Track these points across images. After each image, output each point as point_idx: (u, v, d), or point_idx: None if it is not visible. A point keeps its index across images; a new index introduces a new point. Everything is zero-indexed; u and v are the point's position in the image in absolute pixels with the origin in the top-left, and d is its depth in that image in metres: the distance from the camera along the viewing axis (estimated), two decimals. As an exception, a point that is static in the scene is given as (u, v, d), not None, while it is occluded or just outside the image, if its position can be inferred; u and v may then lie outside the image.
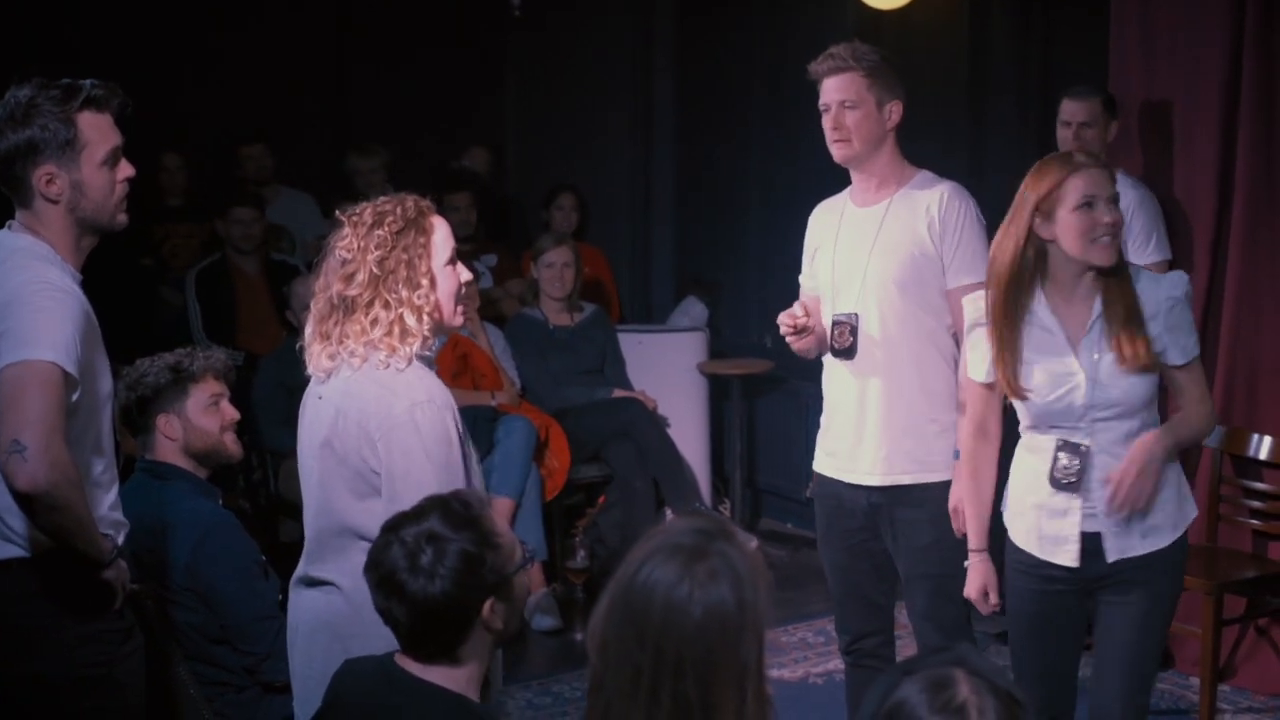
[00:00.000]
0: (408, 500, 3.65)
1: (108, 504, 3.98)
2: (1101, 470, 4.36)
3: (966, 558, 4.75)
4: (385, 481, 3.79)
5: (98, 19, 8.91)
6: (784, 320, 4.95)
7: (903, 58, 5.45)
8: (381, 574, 3.14)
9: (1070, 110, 6.57)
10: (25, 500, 3.65)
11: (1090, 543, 4.42)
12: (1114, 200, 4.34)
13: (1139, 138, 6.75)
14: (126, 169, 4.00)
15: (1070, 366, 4.36)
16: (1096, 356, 4.34)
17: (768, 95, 9.15)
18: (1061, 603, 4.54)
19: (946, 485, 4.88)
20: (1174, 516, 4.44)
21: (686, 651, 2.54)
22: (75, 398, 3.77)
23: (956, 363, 4.86)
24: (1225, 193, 6.49)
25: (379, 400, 3.79)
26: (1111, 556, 4.42)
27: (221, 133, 9.39)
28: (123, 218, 4.04)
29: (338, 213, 3.96)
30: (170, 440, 4.87)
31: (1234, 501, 6.45)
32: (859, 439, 5.02)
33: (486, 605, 3.18)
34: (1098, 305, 4.36)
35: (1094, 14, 7.03)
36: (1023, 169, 7.39)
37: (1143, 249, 6.44)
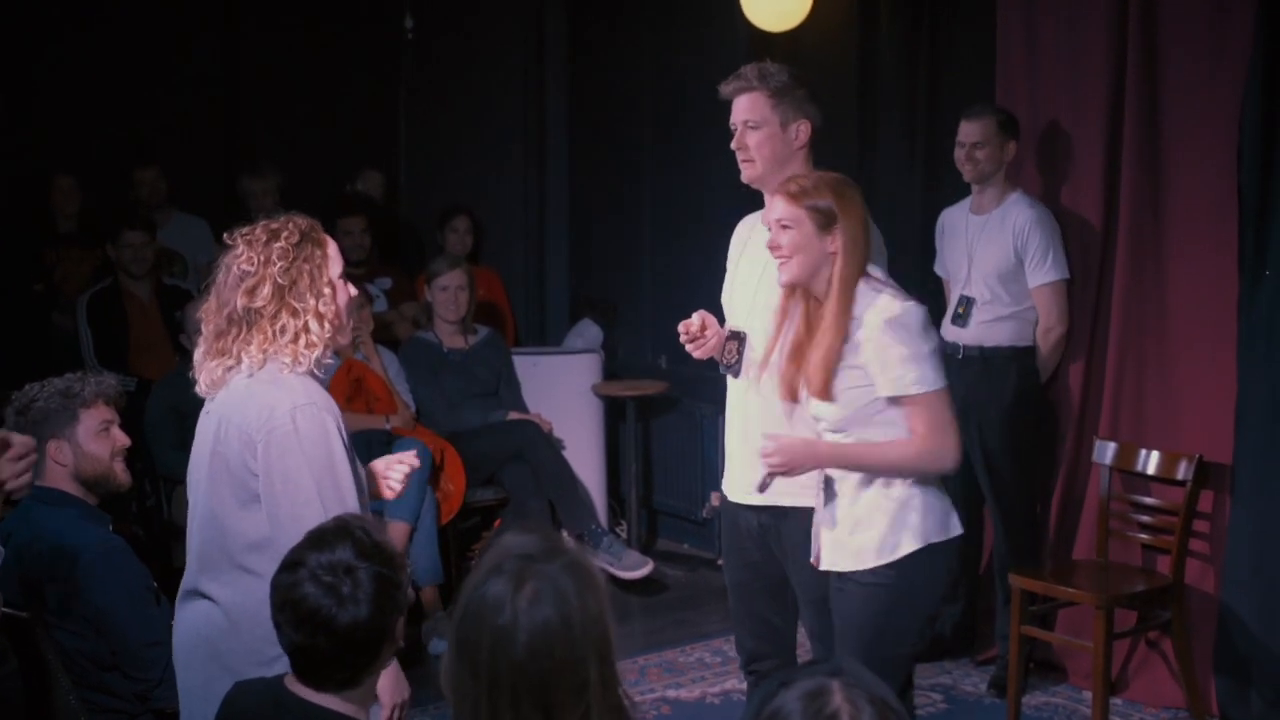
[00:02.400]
0: (286, 501, 3.72)
1: None
2: (831, 483, 4.55)
3: None
4: (263, 482, 3.81)
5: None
6: (680, 328, 4.97)
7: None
8: (302, 611, 3.10)
9: (964, 131, 6.66)
10: None
11: None
12: (784, 225, 4.45)
13: (1030, 156, 6.84)
14: None
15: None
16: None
17: (660, 116, 9.19)
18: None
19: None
20: (890, 542, 4.44)
21: (519, 678, 2.55)
22: None
23: None
24: (1110, 210, 6.58)
25: (260, 404, 3.83)
26: (824, 566, 4.60)
27: (113, 156, 9.32)
28: None
29: (226, 235, 4.00)
30: (60, 466, 4.82)
31: (1123, 516, 6.52)
32: (741, 458, 5.03)
33: (399, 625, 3.19)
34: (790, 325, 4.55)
35: (981, 34, 7.11)
36: (910, 188, 7.55)
37: (1039, 267, 6.52)
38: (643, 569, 7.89)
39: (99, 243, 8.73)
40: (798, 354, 4.47)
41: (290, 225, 3.93)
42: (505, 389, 8.53)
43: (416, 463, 4.39)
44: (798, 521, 4.87)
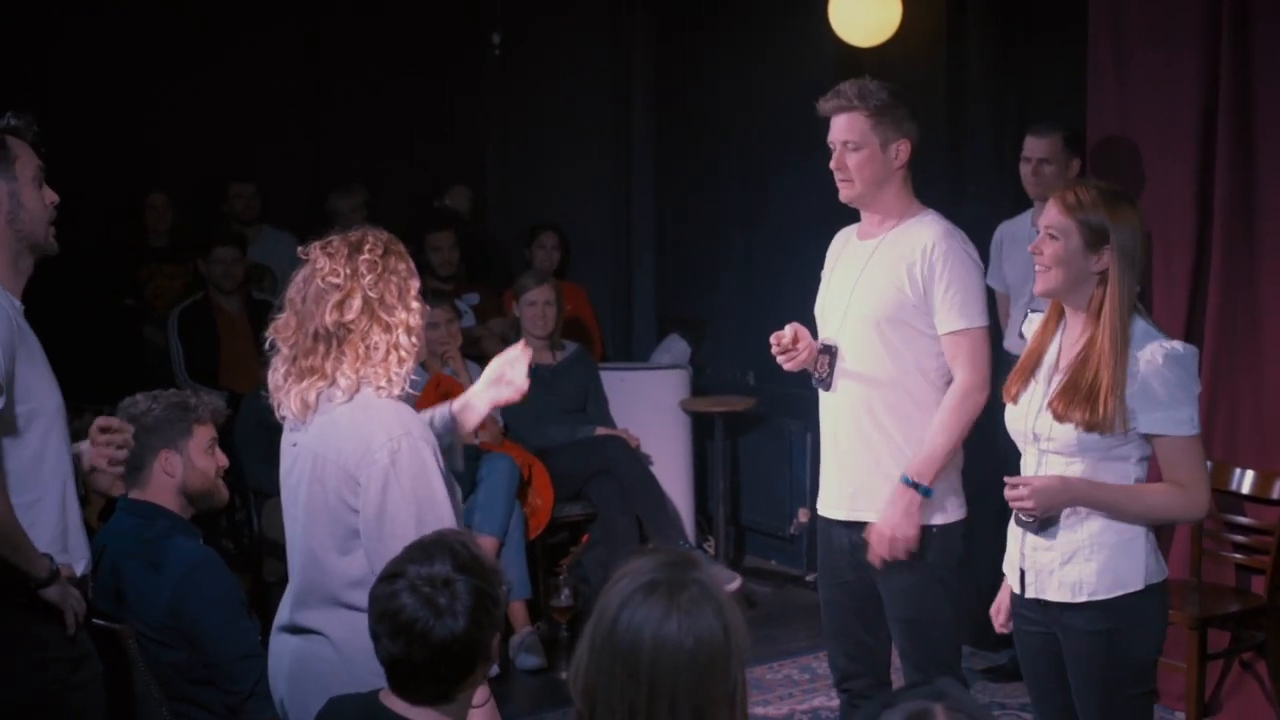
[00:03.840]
0: (388, 534, 3.67)
1: (58, 523, 4.02)
2: (1051, 515, 4.30)
3: (948, 600, 4.77)
4: (364, 517, 3.76)
5: (83, 57, 8.92)
6: (772, 340, 4.94)
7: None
8: (399, 622, 3.11)
9: (1030, 146, 6.67)
10: None
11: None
12: (1051, 234, 4.28)
13: (1117, 173, 6.77)
14: (52, 194, 4.12)
15: (1033, 388, 4.37)
16: (1050, 387, 4.32)
17: (748, 131, 9.18)
18: (1031, 641, 4.49)
19: (922, 529, 4.82)
20: (1106, 579, 4.27)
21: (681, 682, 2.58)
22: (1, 405, 3.83)
23: (938, 406, 4.86)
24: (1203, 225, 6.50)
25: (356, 437, 3.76)
26: (1029, 592, 4.39)
27: (204, 174, 9.42)
28: (54, 242, 4.14)
29: (301, 249, 3.94)
30: (168, 477, 4.85)
31: (1217, 536, 6.45)
32: (829, 473, 5.04)
33: (494, 642, 3.20)
34: (1059, 337, 4.36)
35: (1070, 50, 7.06)
36: (999, 205, 7.49)
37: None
38: (730, 585, 7.87)
39: (190, 259, 8.82)
40: (1074, 374, 4.25)
41: (371, 237, 3.87)
42: (593, 405, 8.54)
43: (529, 352, 4.47)
44: None
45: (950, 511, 4.89)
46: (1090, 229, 4.23)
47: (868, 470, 4.92)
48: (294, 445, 3.93)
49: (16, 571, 3.84)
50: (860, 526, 4.91)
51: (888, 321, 4.87)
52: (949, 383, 4.86)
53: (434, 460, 3.81)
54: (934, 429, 4.80)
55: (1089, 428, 4.18)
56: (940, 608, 4.86)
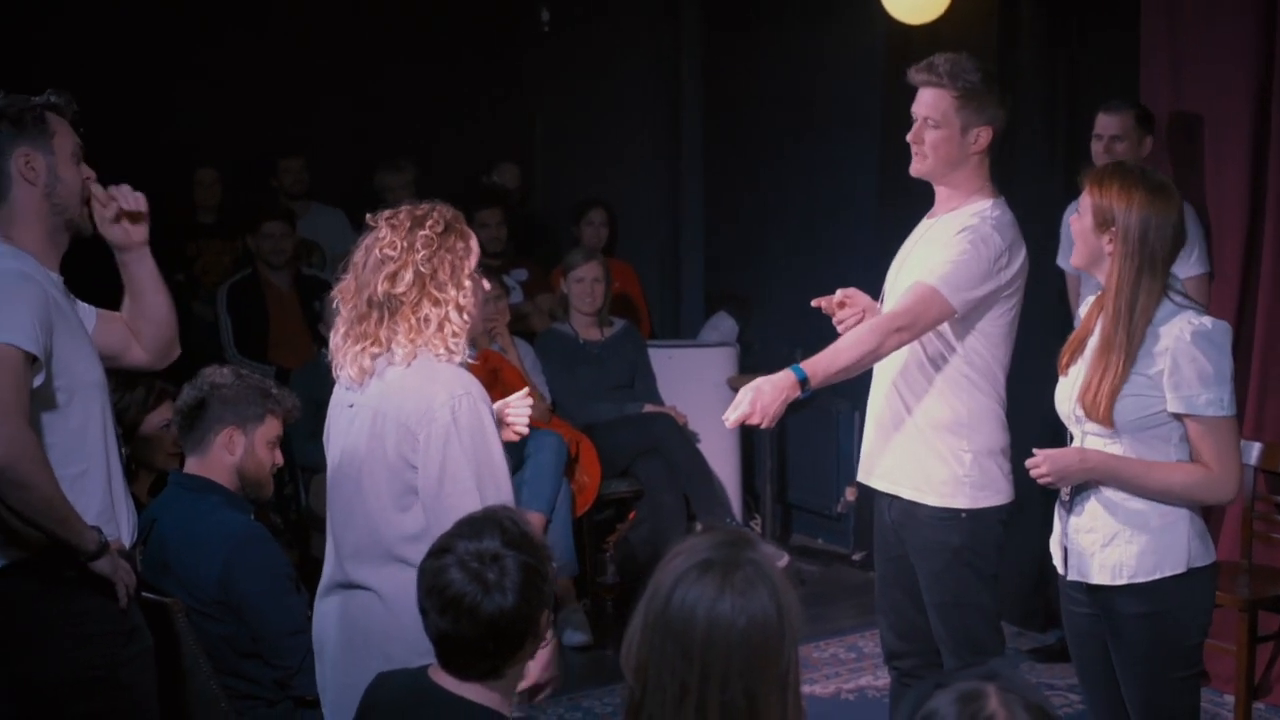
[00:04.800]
0: (447, 491, 3.72)
1: (105, 495, 4.04)
2: (1091, 497, 4.31)
3: (982, 585, 4.77)
4: (423, 474, 3.81)
5: (132, 30, 8.94)
6: (819, 304, 4.95)
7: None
8: (448, 597, 3.12)
9: (1102, 123, 6.59)
10: None
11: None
12: (1079, 211, 4.30)
13: (1170, 153, 6.74)
14: (89, 170, 4.15)
15: (1080, 367, 4.35)
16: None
17: (797, 107, 9.14)
18: (1078, 623, 4.48)
19: (948, 512, 4.80)
20: (1147, 562, 4.24)
21: (734, 662, 2.58)
22: (40, 380, 3.85)
23: (973, 390, 4.82)
24: (1257, 204, 6.47)
25: (418, 395, 3.82)
26: (1071, 575, 4.38)
27: (253, 150, 9.44)
28: (89, 222, 4.16)
29: (370, 217, 3.98)
30: (228, 455, 4.88)
31: (1268, 518, 6.41)
32: (870, 442, 5.02)
33: (544, 617, 3.20)
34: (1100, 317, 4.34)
35: (1123, 30, 7.01)
36: (1050, 187, 7.45)
37: (1185, 260, 6.42)
38: (779, 563, 7.84)
39: (239, 234, 8.85)
40: (1096, 358, 4.25)
41: (435, 213, 3.91)
42: (640, 382, 8.54)
43: (530, 401, 4.42)
44: (919, 519, 4.85)
45: (981, 497, 4.82)
46: (1099, 210, 4.23)
47: (902, 444, 4.90)
48: (350, 406, 3.98)
49: (66, 545, 3.86)
50: (901, 503, 4.90)
51: None
52: (984, 362, 4.81)
53: (492, 423, 3.87)
54: (849, 339, 4.71)
55: (1099, 420, 4.21)
56: (973, 592, 4.81)
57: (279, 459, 5.03)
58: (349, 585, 3.98)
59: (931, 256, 4.76)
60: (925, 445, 4.84)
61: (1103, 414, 4.19)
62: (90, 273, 4.40)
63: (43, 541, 3.86)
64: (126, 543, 4.12)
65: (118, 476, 4.14)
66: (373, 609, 3.91)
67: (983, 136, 4.84)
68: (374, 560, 3.92)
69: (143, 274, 4.31)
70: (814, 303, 4.96)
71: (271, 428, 4.95)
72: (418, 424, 3.81)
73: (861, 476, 5.08)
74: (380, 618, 3.88)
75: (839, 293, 4.94)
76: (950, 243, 4.74)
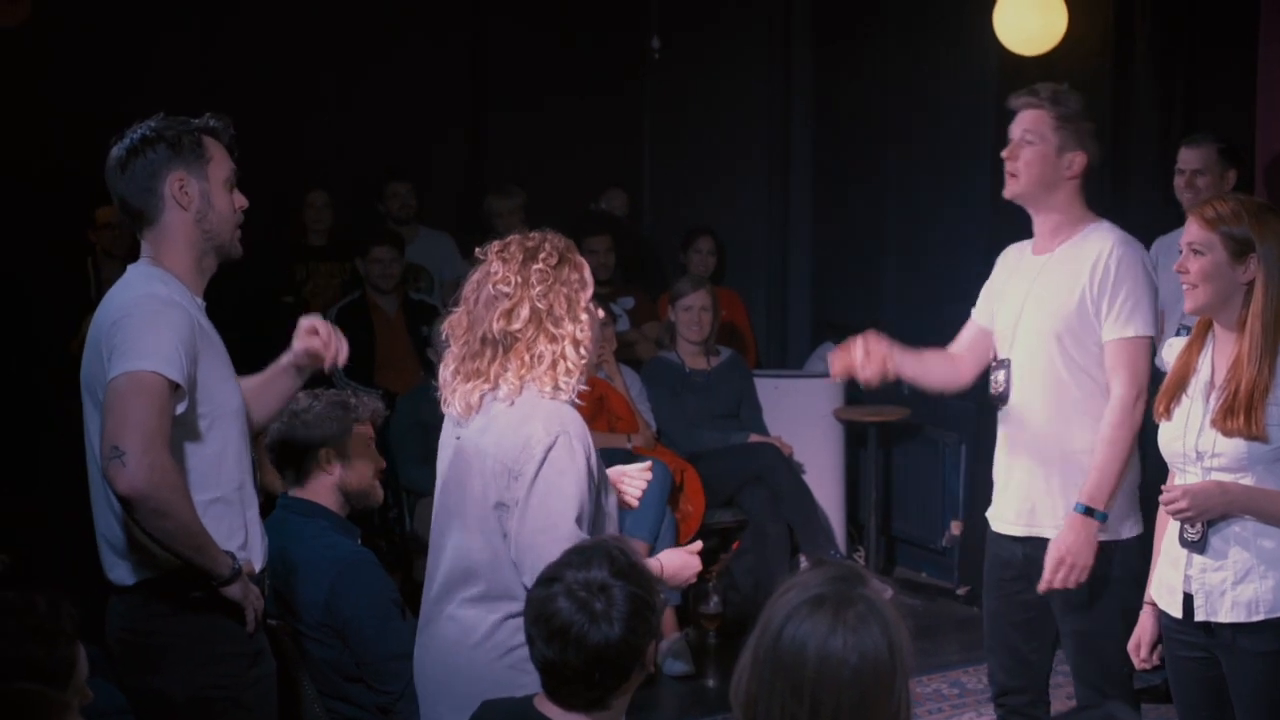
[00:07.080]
0: (537, 529, 3.69)
1: (239, 520, 4.07)
2: (1220, 533, 4.20)
3: (1123, 617, 4.67)
4: (518, 510, 3.77)
5: (250, 54, 9.02)
6: (838, 371, 5.05)
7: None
8: (555, 626, 3.12)
9: (1184, 158, 6.56)
10: (127, 505, 3.77)
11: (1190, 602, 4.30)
12: (1195, 250, 4.22)
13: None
14: (242, 199, 4.17)
15: (1187, 407, 4.27)
16: (1209, 404, 4.22)
17: (908, 137, 9.10)
18: (1187, 667, 4.39)
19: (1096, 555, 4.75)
20: (1271, 597, 4.16)
21: (844, 700, 2.56)
22: (183, 408, 3.87)
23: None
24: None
25: (518, 434, 3.78)
26: (1198, 616, 4.27)
27: (363, 174, 9.50)
28: (239, 246, 4.17)
29: (478, 250, 3.95)
30: (327, 475, 4.91)
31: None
32: (1004, 487, 4.98)
33: (651, 649, 3.18)
34: (1208, 353, 4.28)
35: (1238, 61, 6.94)
36: (1165, 218, 7.37)
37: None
38: (883, 595, 7.79)
39: (348, 257, 8.90)
40: (1230, 388, 4.17)
41: (548, 245, 3.86)
42: (746, 411, 8.51)
43: (649, 475, 4.32)
44: None
45: (1124, 528, 4.81)
46: (1234, 240, 4.16)
47: (1044, 486, 4.86)
48: (457, 439, 3.96)
49: (201, 570, 3.88)
50: (1036, 542, 4.85)
51: (1068, 333, 4.80)
52: None
53: (585, 463, 3.80)
54: (1100, 450, 4.70)
55: (1250, 438, 4.10)
56: (1114, 623, 4.75)
57: (380, 461, 5.04)
58: (443, 619, 3.98)
59: (1064, 298, 4.78)
60: (1075, 481, 4.78)
61: (1256, 424, 4.10)
62: (212, 288, 4.41)
63: (175, 562, 3.89)
64: (258, 567, 4.14)
65: (252, 501, 4.15)
66: (462, 641, 3.89)
67: (1077, 162, 4.84)
68: (464, 593, 3.90)
69: (295, 387, 4.44)
70: (834, 374, 5.07)
71: (360, 436, 4.96)
72: (514, 461, 3.77)
73: (996, 526, 5.03)
74: (465, 651, 3.87)
75: (858, 349, 5.01)
76: (1103, 284, 4.74)
